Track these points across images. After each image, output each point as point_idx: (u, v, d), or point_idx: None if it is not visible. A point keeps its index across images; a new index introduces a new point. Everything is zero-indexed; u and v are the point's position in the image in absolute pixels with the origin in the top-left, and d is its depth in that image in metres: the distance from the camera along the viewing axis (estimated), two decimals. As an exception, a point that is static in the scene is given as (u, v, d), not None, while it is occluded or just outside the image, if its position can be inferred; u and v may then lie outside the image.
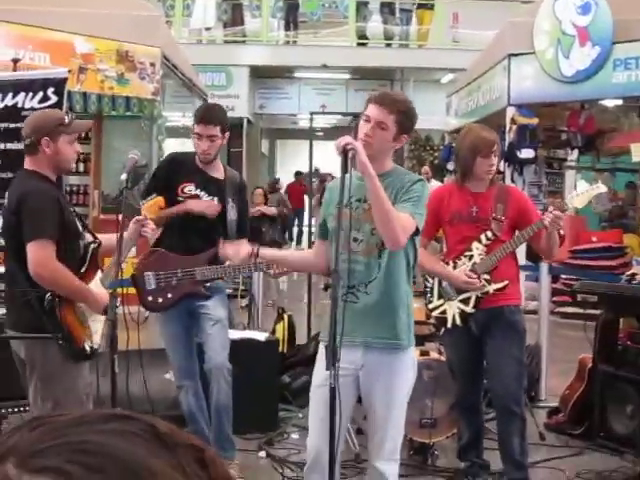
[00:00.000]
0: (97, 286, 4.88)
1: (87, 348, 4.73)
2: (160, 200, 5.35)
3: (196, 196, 5.92)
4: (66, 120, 4.86)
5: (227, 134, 6.02)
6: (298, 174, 24.16)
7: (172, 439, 0.88)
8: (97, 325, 4.83)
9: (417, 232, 4.29)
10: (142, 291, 5.93)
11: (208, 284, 5.90)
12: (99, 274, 4.94)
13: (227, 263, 5.66)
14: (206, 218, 5.85)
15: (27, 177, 4.83)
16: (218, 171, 6.08)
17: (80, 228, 4.87)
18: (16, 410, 5.70)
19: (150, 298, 5.94)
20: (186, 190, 5.91)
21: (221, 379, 5.93)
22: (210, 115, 5.97)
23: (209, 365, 5.97)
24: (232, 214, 5.95)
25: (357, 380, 4.32)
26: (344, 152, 3.97)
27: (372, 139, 4.23)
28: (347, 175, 3.95)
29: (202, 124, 5.85)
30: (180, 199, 5.88)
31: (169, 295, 5.89)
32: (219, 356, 5.95)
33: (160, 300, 5.91)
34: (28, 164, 4.84)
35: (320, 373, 4.25)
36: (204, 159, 5.94)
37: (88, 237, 4.95)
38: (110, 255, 5.03)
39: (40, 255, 4.54)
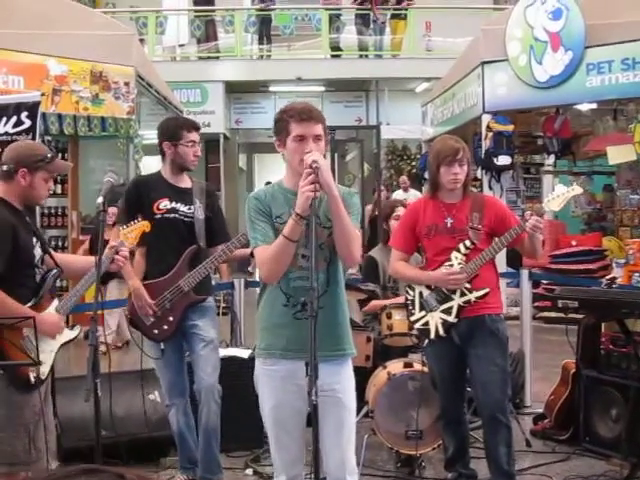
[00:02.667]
0: (51, 315, 4.88)
1: (32, 378, 4.70)
2: (144, 225, 5.33)
3: (173, 209, 5.98)
4: (48, 157, 4.85)
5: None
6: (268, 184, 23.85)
7: None
8: (46, 356, 4.80)
9: None
10: (145, 328, 6.04)
11: (200, 301, 6.01)
12: (55, 302, 4.91)
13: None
14: (174, 234, 5.96)
15: None
16: (185, 182, 6.16)
17: (37, 257, 4.86)
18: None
19: (156, 331, 6.03)
20: (161, 206, 5.99)
21: (211, 401, 5.94)
22: (194, 122, 6.25)
23: (199, 387, 5.98)
24: (199, 213, 6.03)
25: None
26: (310, 167, 3.96)
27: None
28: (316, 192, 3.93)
29: (195, 131, 6.09)
30: (157, 216, 5.91)
31: (170, 318, 5.98)
32: (210, 378, 5.95)
33: (165, 327, 6.00)
34: None
35: (274, 392, 4.27)
36: (193, 164, 6.14)
37: (48, 265, 4.95)
38: (78, 277, 4.99)
39: None
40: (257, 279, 5.07)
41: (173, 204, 6.00)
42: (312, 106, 4.37)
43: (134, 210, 5.83)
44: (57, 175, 5.15)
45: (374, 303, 7.30)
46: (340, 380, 4.26)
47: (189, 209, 6.01)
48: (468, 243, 5.70)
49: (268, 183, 5.12)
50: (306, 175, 3.94)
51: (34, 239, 4.86)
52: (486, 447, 5.86)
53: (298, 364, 4.07)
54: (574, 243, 14.88)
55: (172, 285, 5.92)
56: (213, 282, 6.68)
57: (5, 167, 4.79)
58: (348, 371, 4.35)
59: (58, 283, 5.17)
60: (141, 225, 5.22)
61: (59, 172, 5.14)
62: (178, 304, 5.93)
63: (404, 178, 20.06)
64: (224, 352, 6.96)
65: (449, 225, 5.77)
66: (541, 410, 7.78)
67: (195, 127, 6.11)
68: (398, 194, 19.32)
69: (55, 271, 4.93)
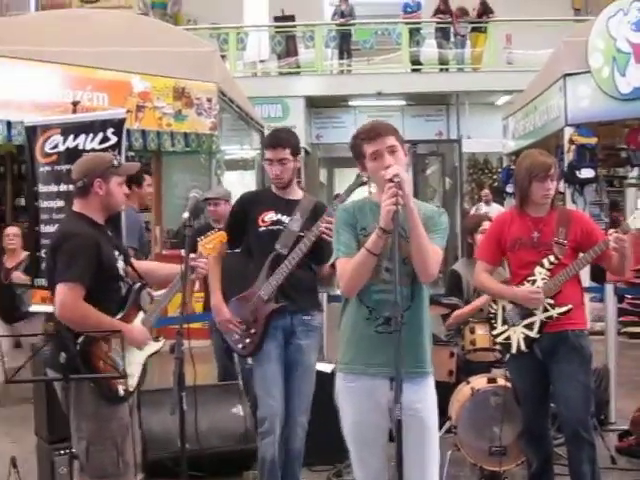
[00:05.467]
0: (138, 326, 4.96)
1: (121, 391, 4.77)
2: (221, 235, 5.36)
3: (278, 221, 5.86)
4: (115, 162, 4.94)
5: (300, 157, 6.02)
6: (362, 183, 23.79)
7: None
8: (133, 368, 4.86)
9: None
10: (232, 343, 6.00)
11: (304, 317, 5.87)
12: (141, 315, 4.99)
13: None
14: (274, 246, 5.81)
15: (71, 219, 4.95)
16: (296, 195, 6.03)
17: (121, 271, 4.92)
18: (62, 452, 5.70)
19: (240, 346, 5.93)
20: (267, 218, 5.88)
21: (299, 428, 5.89)
22: (278, 138, 5.97)
23: (288, 413, 5.85)
24: (295, 226, 5.83)
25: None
26: (391, 181, 3.96)
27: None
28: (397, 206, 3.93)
29: (271, 149, 5.88)
30: (262, 229, 5.85)
31: (252, 330, 5.83)
32: (302, 405, 5.89)
33: (248, 340, 5.86)
34: (76, 206, 4.94)
35: (354, 408, 4.26)
36: (278, 183, 5.94)
37: (132, 278, 5.03)
38: (166, 285, 5.07)
39: (65, 298, 4.62)
40: (339, 293, 5.03)
41: (279, 216, 5.88)
42: (379, 122, 4.38)
43: (238, 225, 5.91)
44: (129, 178, 5.22)
45: (456, 313, 7.28)
46: (422, 399, 4.22)
47: (289, 220, 5.87)
48: (552, 258, 5.65)
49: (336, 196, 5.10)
50: (387, 189, 3.95)
51: (116, 252, 4.93)
52: (570, 464, 5.76)
53: (379, 381, 4.06)
54: (660, 257, 14.63)
55: (254, 296, 5.81)
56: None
57: (80, 183, 4.88)
58: (430, 389, 4.32)
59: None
60: (219, 235, 5.28)
61: (130, 173, 5.22)
62: (259, 315, 5.80)
63: (486, 191, 19.91)
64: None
65: (535, 239, 5.72)
66: (626, 427, 7.67)
67: (269, 144, 5.92)
68: (480, 207, 19.21)
69: (139, 284, 5.01)
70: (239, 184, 13.61)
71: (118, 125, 7.65)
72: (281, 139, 5.94)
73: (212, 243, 5.23)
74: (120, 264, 4.93)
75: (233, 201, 7.13)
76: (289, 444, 5.90)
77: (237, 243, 5.99)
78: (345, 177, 29.91)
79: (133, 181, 8.35)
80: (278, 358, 5.82)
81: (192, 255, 4.99)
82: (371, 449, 4.26)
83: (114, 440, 4.74)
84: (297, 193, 6.07)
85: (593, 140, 14.03)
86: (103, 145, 7.43)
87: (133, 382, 4.88)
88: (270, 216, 5.89)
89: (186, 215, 4.74)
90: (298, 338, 5.86)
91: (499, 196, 19.51)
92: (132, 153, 13.25)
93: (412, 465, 4.13)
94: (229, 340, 6.01)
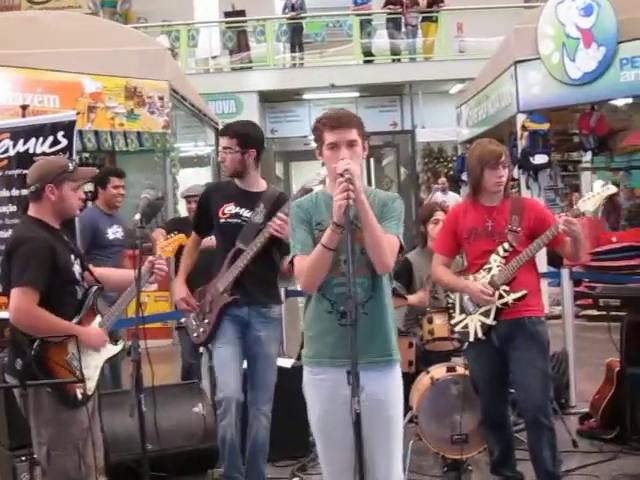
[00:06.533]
0: (94, 329, 4.94)
1: (79, 395, 4.73)
2: (181, 238, 5.39)
3: (237, 214, 5.93)
4: (70, 167, 4.91)
5: (252, 150, 5.99)
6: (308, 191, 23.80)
7: None
8: (91, 371, 4.84)
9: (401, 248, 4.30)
10: (190, 335, 6.20)
11: (262, 309, 5.94)
12: (98, 318, 4.97)
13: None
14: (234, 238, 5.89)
15: (26, 224, 4.92)
16: (255, 186, 6.06)
17: (78, 275, 4.91)
18: (23, 459, 5.67)
19: (195, 334, 6.09)
20: (226, 210, 5.95)
21: (262, 417, 5.94)
22: (225, 128, 6.19)
23: (251, 403, 5.96)
24: (257, 218, 5.88)
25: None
26: (341, 176, 3.96)
27: None
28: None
29: (220, 137, 6.11)
30: (222, 221, 5.93)
31: (206, 321, 5.97)
32: (265, 395, 5.95)
33: (202, 330, 6.01)
34: (31, 211, 4.91)
35: (320, 402, 4.26)
36: (225, 171, 6.09)
37: (88, 282, 5.01)
38: (121, 289, 5.07)
39: (20, 302, 4.60)
40: (298, 288, 5.04)
41: (237, 209, 5.95)
42: (345, 112, 4.36)
43: (204, 215, 6.06)
44: (84, 182, 5.20)
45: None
46: (387, 389, 4.24)
47: (251, 213, 5.93)
48: (507, 246, 5.69)
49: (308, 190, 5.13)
50: (338, 184, 3.95)
51: (72, 256, 4.91)
52: (530, 450, 5.81)
53: (345, 374, 4.07)
54: (614, 240, 14.77)
55: (214, 287, 5.93)
56: None
57: (33, 188, 4.85)
58: (396, 379, 4.32)
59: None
60: (178, 238, 5.31)
61: (84, 178, 5.19)
62: (214, 306, 5.91)
63: (443, 179, 19.97)
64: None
65: (490, 228, 5.77)
66: (587, 409, 7.74)
67: (219, 133, 6.18)
68: (437, 196, 19.27)
69: (96, 287, 4.99)
70: (195, 181, 13.57)
71: (68, 128, 7.59)
72: (227, 128, 6.13)
73: (171, 246, 5.28)
74: (76, 268, 4.91)
75: None
76: (254, 434, 5.95)
77: (205, 233, 6.18)
78: (302, 170, 29.94)
79: (97, 183, 8.33)
80: (236, 343, 5.92)
81: (151, 257, 5.00)
82: (337, 443, 4.22)
83: (75, 444, 4.72)
84: (260, 185, 6.09)
85: (545, 126, 14.12)
86: (54, 148, 7.38)
87: (92, 385, 4.85)
88: (230, 208, 5.97)
89: (137, 217, 4.72)
90: (255, 329, 5.92)
91: (455, 184, 19.59)
92: (86, 154, 13.18)
93: (377, 455, 4.17)
94: (188, 328, 6.15)
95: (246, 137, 6.01)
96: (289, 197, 5.98)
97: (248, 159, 5.98)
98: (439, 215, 7.31)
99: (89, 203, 9.74)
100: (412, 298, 7.29)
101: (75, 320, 4.79)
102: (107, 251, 8.10)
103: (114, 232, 8.37)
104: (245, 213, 5.92)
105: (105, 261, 7.54)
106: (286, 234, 5.18)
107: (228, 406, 5.83)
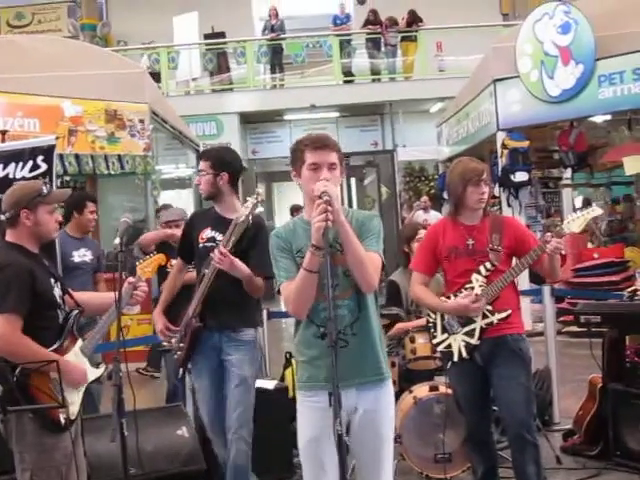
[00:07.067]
0: (76, 355, 4.93)
1: (62, 420, 4.71)
2: (160, 258, 5.41)
3: (212, 239, 6.01)
4: (44, 190, 4.91)
5: (224, 173, 6.05)
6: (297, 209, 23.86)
7: None
8: (74, 396, 4.83)
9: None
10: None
11: (232, 333, 5.97)
12: (79, 343, 4.96)
13: None
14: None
15: (4, 249, 4.90)
16: (230, 211, 6.03)
17: (58, 299, 4.90)
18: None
19: (175, 357, 6.21)
20: (204, 235, 6.08)
21: (240, 442, 5.90)
22: (203, 152, 6.44)
23: (229, 425, 5.92)
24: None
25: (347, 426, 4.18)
26: (320, 198, 3.98)
27: None
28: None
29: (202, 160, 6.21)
30: (200, 245, 6.06)
31: (181, 344, 6.06)
32: (240, 418, 5.90)
33: (179, 353, 6.11)
34: (9, 236, 4.91)
35: (312, 424, 4.28)
36: (201, 193, 6.25)
37: (68, 305, 5.01)
38: (102, 312, 5.08)
39: (4, 329, 4.58)
40: (282, 309, 5.04)
41: (213, 233, 6.04)
42: (327, 135, 4.42)
43: (187, 242, 6.24)
44: (58, 205, 5.21)
45: (399, 326, 7.29)
46: (378, 408, 4.29)
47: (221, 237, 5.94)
48: (489, 265, 5.70)
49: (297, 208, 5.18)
50: (316, 206, 3.97)
51: (52, 280, 4.90)
52: (515, 467, 5.79)
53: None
54: (596, 256, 14.84)
55: (186, 312, 6.02)
56: None
57: (7, 214, 4.86)
58: (388, 397, 4.37)
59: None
60: (157, 258, 5.34)
61: (59, 201, 5.20)
62: (187, 331, 5.98)
63: (425, 198, 19.99)
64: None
65: (470, 247, 5.77)
66: (570, 426, 7.74)
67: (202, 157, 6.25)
68: (418, 215, 19.28)
69: (76, 311, 4.98)
70: (176, 203, 13.57)
71: (48, 152, 7.58)
72: (204, 152, 6.45)
73: (150, 266, 5.29)
74: (57, 291, 4.90)
75: None
76: (232, 459, 5.92)
77: (189, 258, 6.30)
78: (284, 192, 29.99)
79: (73, 207, 8.31)
80: (210, 375, 6.02)
81: (131, 279, 5.00)
82: (324, 466, 4.23)
83: (58, 470, 4.70)
84: (233, 210, 6.04)
85: (525, 143, 14.17)
86: (33, 173, 7.36)
87: (74, 410, 4.84)
88: (207, 233, 6.08)
89: (117, 241, 4.72)
90: (228, 354, 5.96)
91: (437, 202, 19.61)
92: (67, 178, 13.15)
93: (366, 475, 4.22)
94: (172, 349, 6.23)
95: (220, 160, 6.11)
96: (263, 222, 6.10)
97: (220, 182, 6.06)
98: (423, 234, 7.31)
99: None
100: (416, 323, 7.27)
101: (55, 345, 4.78)
102: (72, 274, 8.02)
103: (81, 255, 8.34)
104: (219, 237, 5.95)
105: (70, 284, 7.53)
106: (226, 268, 5.56)
107: (212, 434, 6.14)
